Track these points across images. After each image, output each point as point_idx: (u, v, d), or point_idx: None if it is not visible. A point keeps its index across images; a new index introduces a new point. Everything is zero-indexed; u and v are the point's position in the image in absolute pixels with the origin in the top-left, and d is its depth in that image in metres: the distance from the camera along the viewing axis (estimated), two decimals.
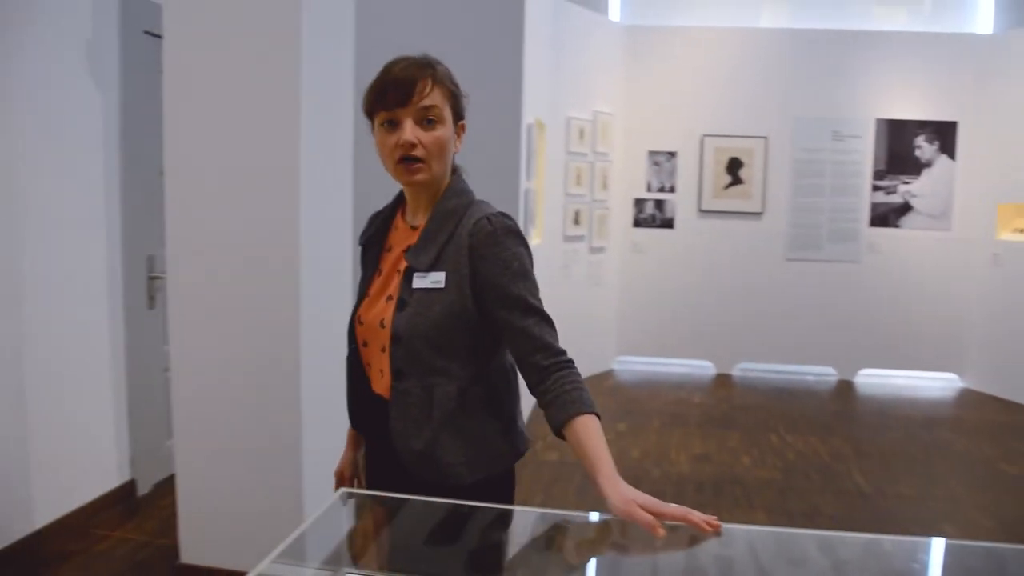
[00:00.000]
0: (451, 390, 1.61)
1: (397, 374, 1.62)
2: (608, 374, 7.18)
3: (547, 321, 1.61)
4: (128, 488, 3.90)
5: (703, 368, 7.34)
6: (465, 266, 1.59)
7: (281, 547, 1.27)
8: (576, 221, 6.61)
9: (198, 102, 2.96)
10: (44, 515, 3.40)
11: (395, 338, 1.60)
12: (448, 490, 1.60)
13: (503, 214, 1.64)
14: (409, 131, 1.58)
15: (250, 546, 3.07)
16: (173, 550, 3.29)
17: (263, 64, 2.88)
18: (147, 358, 3.97)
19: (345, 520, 1.46)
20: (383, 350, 1.65)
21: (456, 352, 1.62)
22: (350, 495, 1.46)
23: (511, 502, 1.74)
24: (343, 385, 1.77)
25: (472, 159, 4.93)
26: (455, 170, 1.73)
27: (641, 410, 6.01)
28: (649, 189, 7.26)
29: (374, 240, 1.77)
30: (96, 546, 3.51)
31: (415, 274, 1.61)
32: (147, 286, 3.95)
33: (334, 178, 3.19)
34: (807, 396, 6.69)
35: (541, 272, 5.83)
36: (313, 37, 2.90)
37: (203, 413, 3.05)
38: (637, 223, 7.30)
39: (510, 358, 1.73)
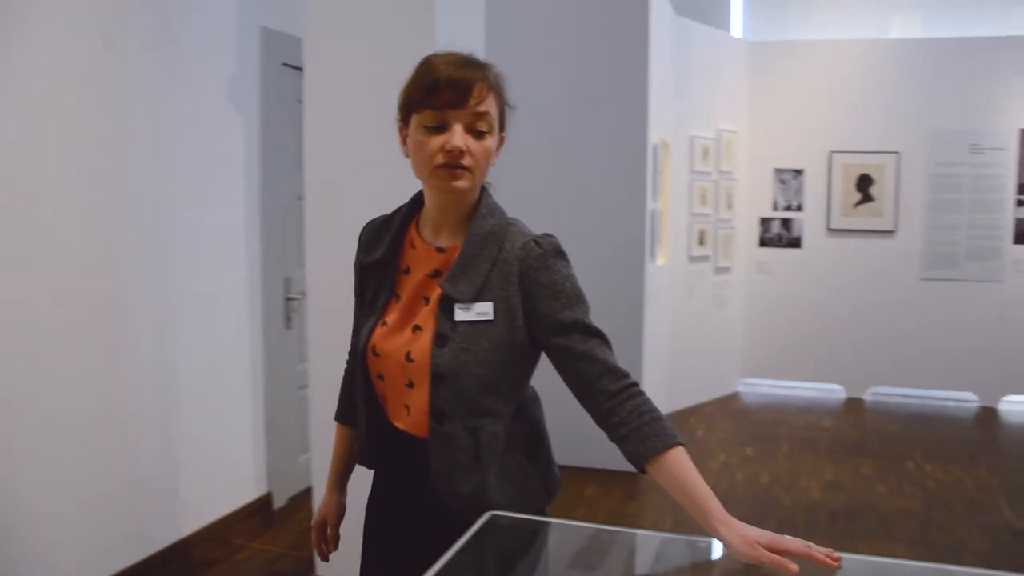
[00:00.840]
0: (497, 430, 1.50)
1: (438, 415, 1.47)
2: (733, 397, 7.01)
3: (607, 343, 1.48)
4: (265, 500, 4.05)
5: (832, 392, 7.08)
6: (515, 295, 1.46)
7: (431, 572, 1.27)
8: (701, 241, 6.51)
9: (336, 130, 3.07)
10: (190, 524, 3.57)
11: (437, 377, 1.46)
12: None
13: (548, 235, 1.52)
14: (459, 136, 1.42)
15: None
16: (308, 562, 3.40)
17: (398, 93, 2.97)
18: (283, 376, 4.13)
19: (490, 542, 1.46)
20: (410, 386, 1.51)
21: (503, 389, 1.50)
22: (497, 517, 1.46)
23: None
24: None
25: (598, 180, 4.95)
26: (483, 187, 1.56)
27: (768, 434, 5.85)
28: (775, 208, 7.09)
29: (386, 259, 1.59)
30: (236, 555, 3.66)
31: (456, 305, 1.46)
32: (284, 306, 4.11)
33: None
34: (946, 422, 6.36)
35: (666, 293, 5.74)
36: None
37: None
38: (763, 243, 7.13)
39: (532, 387, 1.64)
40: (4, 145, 2.72)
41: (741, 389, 7.18)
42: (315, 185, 3.13)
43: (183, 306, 3.50)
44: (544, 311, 1.45)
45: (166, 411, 3.44)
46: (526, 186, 4.74)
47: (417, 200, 1.61)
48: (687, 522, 1.33)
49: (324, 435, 3.17)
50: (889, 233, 6.87)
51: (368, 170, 3.02)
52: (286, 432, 4.13)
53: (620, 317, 4.69)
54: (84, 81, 3.00)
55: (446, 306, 1.47)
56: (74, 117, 2.97)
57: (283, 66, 4.07)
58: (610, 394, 1.43)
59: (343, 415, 1.83)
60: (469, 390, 1.45)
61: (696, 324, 6.49)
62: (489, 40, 3.42)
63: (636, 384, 1.46)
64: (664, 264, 5.73)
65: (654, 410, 1.43)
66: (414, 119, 1.47)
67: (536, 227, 1.57)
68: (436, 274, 1.51)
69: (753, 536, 1.30)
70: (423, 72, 1.47)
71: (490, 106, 1.45)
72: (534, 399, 1.64)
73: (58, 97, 2.91)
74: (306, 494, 4.25)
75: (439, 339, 1.46)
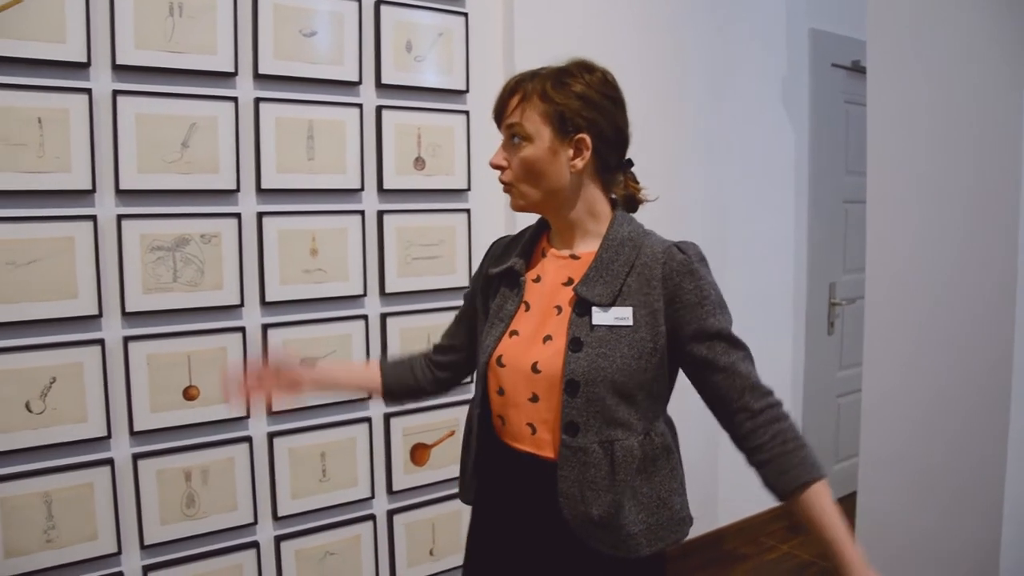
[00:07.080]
0: (631, 445, 1.39)
1: (570, 428, 1.38)
2: None
3: (750, 356, 1.42)
4: None
5: None
6: (658, 299, 1.38)
7: None
8: None
9: (901, 133, 2.94)
10: (726, 516, 3.71)
11: (571, 385, 1.37)
12: (615, 563, 1.41)
13: (690, 242, 1.45)
14: (497, 153, 1.45)
15: None
16: None
17: (973, 95, 2.74)
18: (822, 382, 4.08)
19: None
20: (534, 400, 1.43)
21: (639, 401, 1.40)
22: None
23: None
24: None
25: None
26: (614, 205, 1.51)
27: None
28: None
29: (516, 267, 1.53)
30: (766, 555, 3.72)
31: (593, 308, 1.39)
32: (828, 312, 4.06)
33: None
34: None
35: None
36: None
37: (891, 441, 3.00)
38: None
39: (668, 415, 1.54)
40: None
41: None
42: (878, 188, 3.02)
43: (733, 305, 3.63)
44: (687, 317, 1.39)
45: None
46: None
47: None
48: None
49: (874, 446, 3.08)
50: None
51: (934, 174, 2.85)
52: (821, 439, 4.07)
53: None
54: (657, 80, 3.28)
55: (582, 310, 1.41)
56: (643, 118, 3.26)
57: (832, 67, 4.01)
58: (752, 413, 1.38)
59: (383, 363, 1.78)
60: (606, 399, 1.37)
61: None
62: None
63: (781, 404, 1.41)
64: None
65: (798, 437, 1.38)
66: None
67: None
68: (569, 282, 1.47)
69: None
70: None
71: (526, 115, 1.41)
72: (670, 425, 1.54)
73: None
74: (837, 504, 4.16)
75: (574, 344, 1.39)
